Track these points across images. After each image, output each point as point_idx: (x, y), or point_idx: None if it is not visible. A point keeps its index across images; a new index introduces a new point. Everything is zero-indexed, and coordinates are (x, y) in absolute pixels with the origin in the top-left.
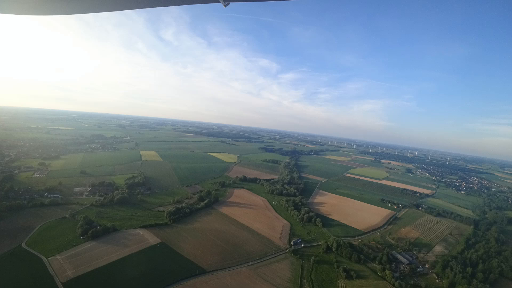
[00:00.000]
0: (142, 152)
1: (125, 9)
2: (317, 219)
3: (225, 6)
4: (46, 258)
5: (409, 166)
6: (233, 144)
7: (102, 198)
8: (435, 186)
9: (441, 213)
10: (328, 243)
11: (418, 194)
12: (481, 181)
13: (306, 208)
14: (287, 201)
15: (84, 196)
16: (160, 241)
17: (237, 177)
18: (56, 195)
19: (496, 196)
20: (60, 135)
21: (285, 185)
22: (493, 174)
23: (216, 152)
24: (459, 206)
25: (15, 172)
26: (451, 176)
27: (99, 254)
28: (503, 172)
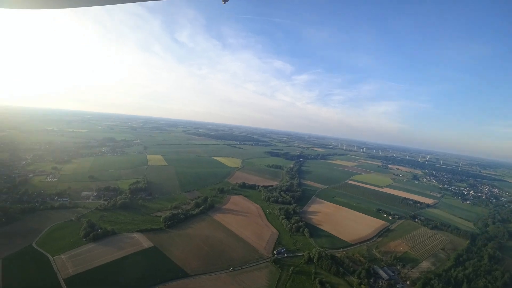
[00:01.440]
0: (149, 157)
1: (123, 3)
2: (305, 229)
3: (224, 3)
4: (52, 257)
5: (417, 172)
6: (240, 148)
7: (106, 203)
8: (439, 195)
9: (438, 226)
10: (311, 254)
11: (418, 204)
12: (492, 189)
13: (296, 217)
14: (280, 209)
15: (90, 200)
16: (152, 245)
17: (236, 183)
18: (65, 199)
19: (505, 206)
20: (74, 137)
21: (282, 193)
22: (507, 181)
23: (221, 157)
24: (460, 217)
25: (30, 176)
26: (460, 184)
27: (97, 255)
28: None
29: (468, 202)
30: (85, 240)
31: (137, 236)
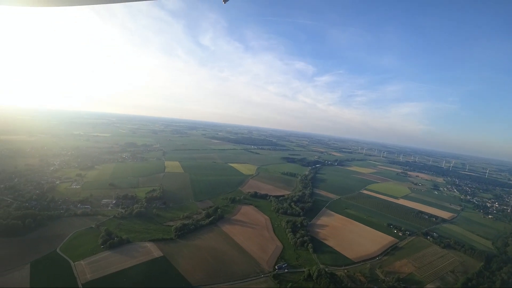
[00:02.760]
0: (166, 163)
1: (131, 1)
2: (309, 244)
3: (224, 2)
4: (73, 262)
5: (439, 180)
6: (257, 153)
7: (123, 211)
8: (459, 208)
9: (451, 244)
10: (311, 271)
11: (434, 219)
12: None
13: (302, 231)
14: (287, 222)
15: (109, 208)
16: (162, 254)
17: (248, 192)
18: (87, 206)
19: None
20: (98, 142)
21: (292, 204)
22: None
23: (238, 163)
24: (478, 235)
25: (56, 182)
26: (485, 194)
27: (112, 262)
28: None
29: (490, 216)
30: (102, 247)
31: (149, 245)
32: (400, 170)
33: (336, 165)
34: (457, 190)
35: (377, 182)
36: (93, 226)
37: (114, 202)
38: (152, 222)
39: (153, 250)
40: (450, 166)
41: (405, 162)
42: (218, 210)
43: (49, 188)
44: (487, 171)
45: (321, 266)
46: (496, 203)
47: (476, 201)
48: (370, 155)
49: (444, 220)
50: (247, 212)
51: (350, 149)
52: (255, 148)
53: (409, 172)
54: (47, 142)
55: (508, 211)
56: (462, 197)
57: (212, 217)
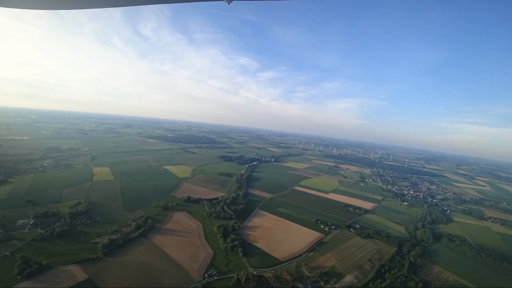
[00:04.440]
0: (95, 170)
1: (124, 5)
2: (239, 249)
3: (228, 4)
4: None
5: (366, 171)
6: (194, 153)
7: (43, 232)
8: (381, 198)
9: (371, 234)
10: (239, 275)
11: (358, 211)
12: (431, 187)
13: (233, 236)
14: (219, 226)
15: (26, 230)
16: (87, 277)
17: (182, 197)
18: None
19: (438, 205)
20: (13, 148)
21: (225, 207)
22: (446, 176)
23: (173, 165)
24: (394, 222)
25: None
26: (403, 183)
27: None
28: (457, 173)
29: (405, 203)
30: (19, 278)
31: (73, 268)
32: (332, 164)
33: (273, 161)
34: (380, 181)
35: (310, 177)
36: (7, 253)
37: (32, 222)
38: (77, 241)
39: (78, 273)
40: (377, 157)
41: (338, 155)
42: (149, 220)
43: None
44: (407, 160)
45: (250, 269)
46: (412, 190)
47: (396, 189)
48: (306, 149)
49: (366, 211)
50: (179, 219)
51: (288, 144)
52: (192, 147)
53: (340, 165)
54: None
55: (421, 197)
56: (384, 186)
57: (142, 229)
